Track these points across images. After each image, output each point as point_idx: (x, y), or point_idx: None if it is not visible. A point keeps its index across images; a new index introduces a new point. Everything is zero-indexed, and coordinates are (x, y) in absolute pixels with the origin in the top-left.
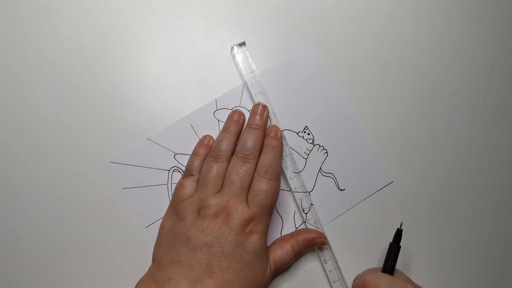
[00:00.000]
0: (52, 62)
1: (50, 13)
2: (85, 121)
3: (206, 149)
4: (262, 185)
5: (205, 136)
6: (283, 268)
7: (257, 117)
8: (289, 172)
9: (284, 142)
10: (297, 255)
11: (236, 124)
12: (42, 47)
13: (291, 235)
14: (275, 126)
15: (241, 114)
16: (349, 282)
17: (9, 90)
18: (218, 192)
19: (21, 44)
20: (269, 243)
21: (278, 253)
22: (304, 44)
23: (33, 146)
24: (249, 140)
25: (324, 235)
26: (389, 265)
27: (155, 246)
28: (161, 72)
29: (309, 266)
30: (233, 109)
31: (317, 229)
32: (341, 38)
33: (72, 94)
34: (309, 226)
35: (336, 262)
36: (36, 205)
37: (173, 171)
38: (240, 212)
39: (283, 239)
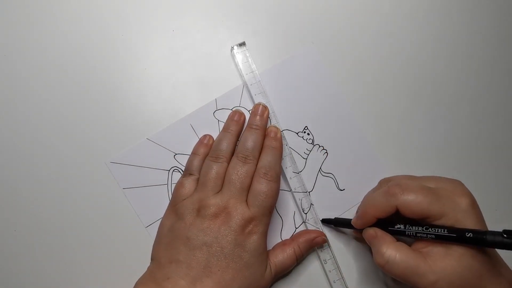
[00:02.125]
0: (52, 62)
1: (50, 13)
2: (85, 121)
3: (206, 149)
4: (262, 186)
5: (205, 136)
6: (284, 272)
7: (258, 117)
8: (289, 172)
9: (284, 142)
10: (299, 259)
11: (236, 124)
12: (42, 47)
13: (292, 239)
14: (275, 127)
15: (242, 114)
16: (349, 282)
17: (10, 90)
18: (218, 192)
19: (21, 45)
20: (269, 244)
21: (280, 257)
22: (304, 44)
23: (34, 146)
24: (250, 141)
25: (324, 234)
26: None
27: (154, 245)
28: (161, 72)
29: (309, 266)
30: (233, 109)
31: (317, 229)
32: (341, 38)
33: (72, 94)
34: (309, 226)
35: (336, 262)
36: (36, 205)
37: (173, 171)
38: (240, 212)
39: (284, 243)
